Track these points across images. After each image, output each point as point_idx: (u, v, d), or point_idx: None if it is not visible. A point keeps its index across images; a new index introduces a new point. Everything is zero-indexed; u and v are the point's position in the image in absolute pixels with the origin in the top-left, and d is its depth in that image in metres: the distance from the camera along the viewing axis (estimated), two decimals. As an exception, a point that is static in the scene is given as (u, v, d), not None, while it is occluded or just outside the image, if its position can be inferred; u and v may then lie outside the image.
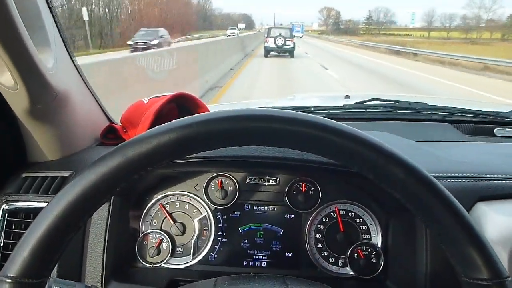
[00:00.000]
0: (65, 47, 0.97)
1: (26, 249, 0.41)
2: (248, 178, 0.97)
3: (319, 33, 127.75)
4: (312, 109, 1.36)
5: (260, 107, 1.14)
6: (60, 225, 0.42)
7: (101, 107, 1.16)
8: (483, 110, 1.35)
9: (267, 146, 0.47)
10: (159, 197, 0.97)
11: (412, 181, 0.44)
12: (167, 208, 0.97)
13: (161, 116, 0.96)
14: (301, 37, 67.03)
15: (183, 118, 0.46)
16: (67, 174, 0.92)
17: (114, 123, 1.17)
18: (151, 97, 1.05)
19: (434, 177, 0.46)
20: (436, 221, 0.44)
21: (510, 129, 1.27)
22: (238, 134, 0.45)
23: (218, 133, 0.45)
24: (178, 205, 0.97)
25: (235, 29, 56.90)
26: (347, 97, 1.64)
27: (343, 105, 1.37)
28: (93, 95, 1.12)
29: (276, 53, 20.93)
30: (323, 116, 0.48)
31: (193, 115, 0.46)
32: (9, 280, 0.40)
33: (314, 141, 0.45)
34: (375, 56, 25.78)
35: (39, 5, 0.85)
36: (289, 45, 20.64)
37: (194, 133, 0.44)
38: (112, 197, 0.87)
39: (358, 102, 1.40)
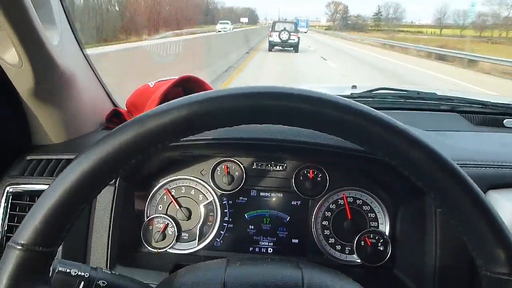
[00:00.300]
0: (70, 27, 0.96)
1: (37, 217, 0.40)
2: (255, 164, 0.96)
3: (326, 28, 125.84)
4: None
5: None
6: (72, 195, 0.41)
7: (106, 91, 1.15)
8: (492, 101, 1.33)
9: (288, 125, 0.45)
10: (164, 181, 0.96)
11: (435, 167, 0.42)
12: (172, 193, 0.96)
13: (167, 100, 0.95)
14: (305, 32, 66.68)
15: (194, 94, 0.44)
16: (71, 157, 0.91)
17: (119, 108, 1.16)
18: (157, 81, 1.04)
19: None
20: (457, 206, 0.43)
21: (521, 120, 1.25)
22: (259, 111, 0.43)
23: (231, 109, 0.43)
24: (184, 190, 0.96)
25: (227, 23, 49.49)
26: (354, 87, 1.61)
27: (351, 93, 1.35)
28: (98, 79, 1.11)
29: (280, 47, 20.79)
30: None
31: (210, 90, 0.44)
32: (20, 247, 0.39)
33: (338, 123, 0.43)
34: (414, 62, 18.35)
35: None
36: (294, 39, 20.52)
37: (206, 110, 0.42)
38: (118, 181, 0.86)
39: (366, 91, 1.39)
